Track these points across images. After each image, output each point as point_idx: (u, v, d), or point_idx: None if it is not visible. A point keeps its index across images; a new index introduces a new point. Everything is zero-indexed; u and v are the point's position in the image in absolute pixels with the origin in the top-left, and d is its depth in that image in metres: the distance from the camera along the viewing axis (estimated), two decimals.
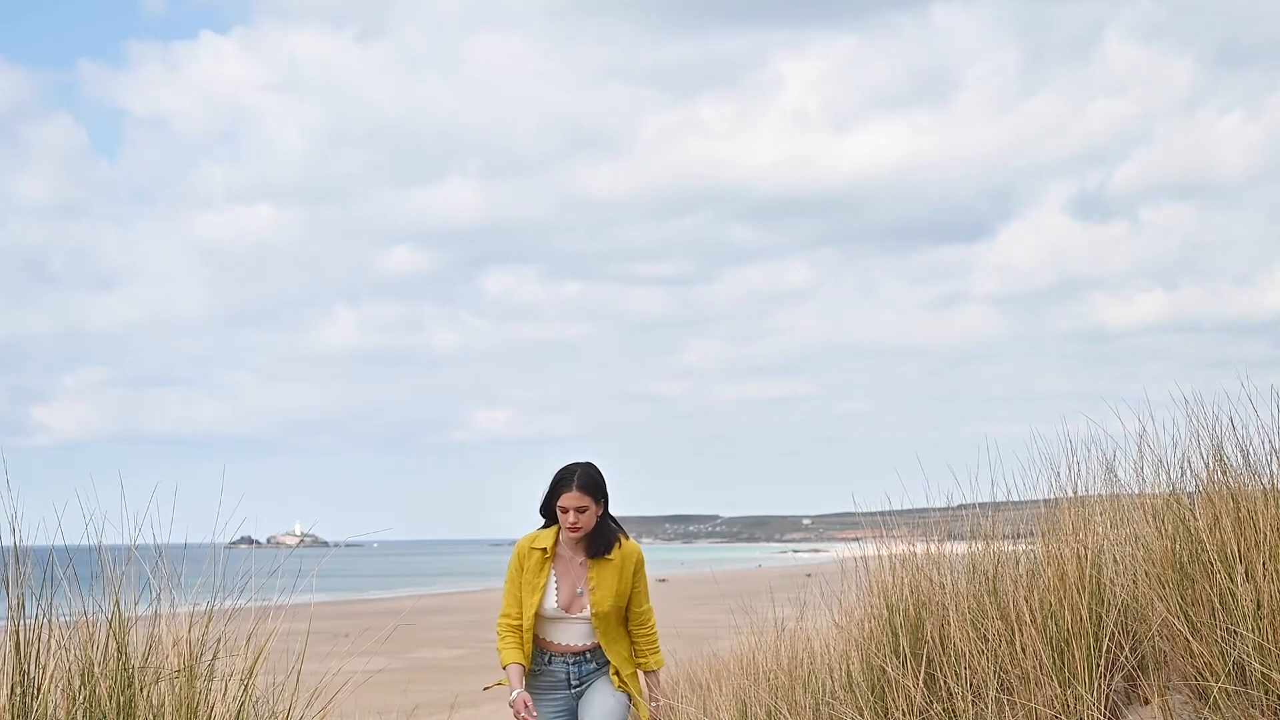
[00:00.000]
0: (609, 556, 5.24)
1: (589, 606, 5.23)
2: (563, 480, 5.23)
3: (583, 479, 5.21)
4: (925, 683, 4.93)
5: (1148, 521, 4.89)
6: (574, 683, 5.30)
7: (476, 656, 25.35)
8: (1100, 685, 4.62)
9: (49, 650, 4.21)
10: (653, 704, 5.33)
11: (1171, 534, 4.69)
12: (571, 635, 5.27)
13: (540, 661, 5.31)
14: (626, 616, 5.33)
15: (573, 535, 5.20)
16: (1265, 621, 4.24)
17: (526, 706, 5.11)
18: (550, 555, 5.28)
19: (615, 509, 5.28)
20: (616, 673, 5.27)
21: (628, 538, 5.31)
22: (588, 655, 5.30)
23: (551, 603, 5.26)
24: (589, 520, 5.18)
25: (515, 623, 5.25)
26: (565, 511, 5.19)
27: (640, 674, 5.37)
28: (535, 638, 5.27)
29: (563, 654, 5.28)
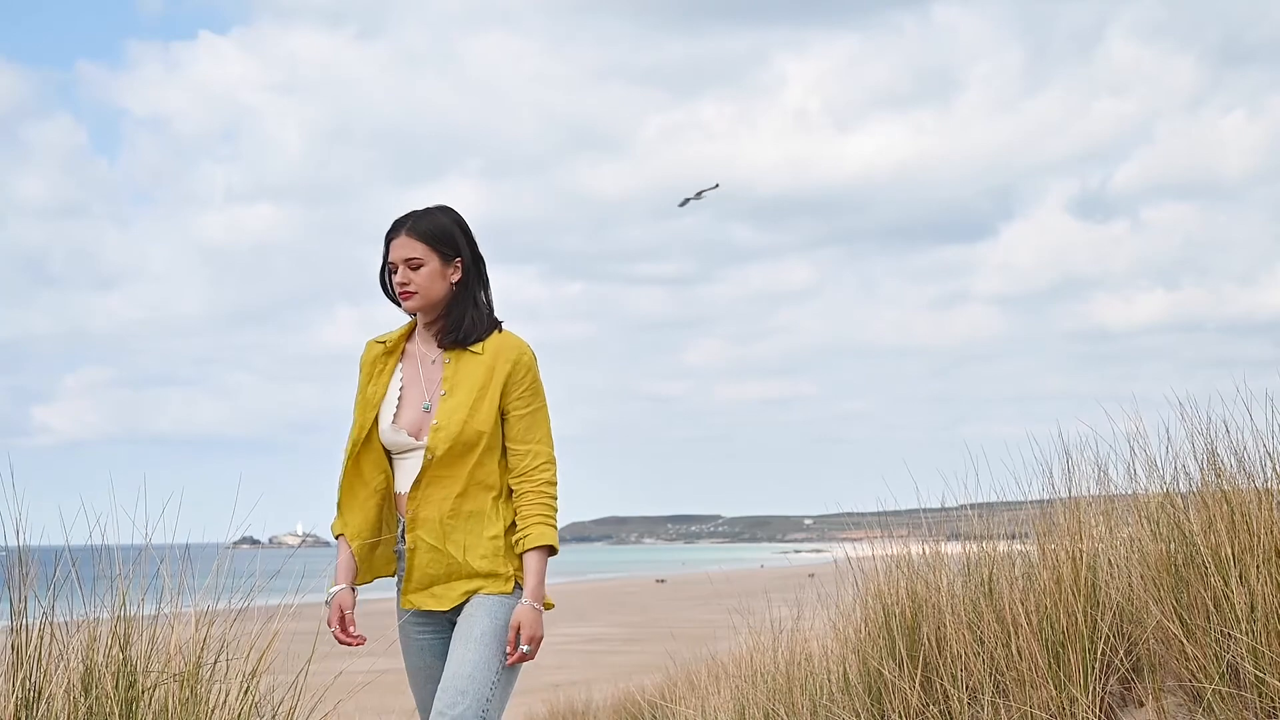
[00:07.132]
0: (474, 349, 3.41)
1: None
2: (394, 226, 3.45)
3: (420, 221, 3.42)
4: (921, 685, 4.96)
5: (1142, 524, 4.92)
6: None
7: None
8: (1095, 688, 4.65)
9: (51, 653, 4.23)
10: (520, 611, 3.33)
11: (1166, 537, 4.72)
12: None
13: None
14: (504, 457, 3.42)
15: (406, 305, 3.45)
16: (1259, 624, 4.26)
17: (341, 620, 3.51)
18: (395, 351, 3.51)
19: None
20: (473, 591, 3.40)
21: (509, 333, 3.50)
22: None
23: (388, 419, 3.43)
24: (427, 282, 3.39)
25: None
26: (395, 270, 3.44)
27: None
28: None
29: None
